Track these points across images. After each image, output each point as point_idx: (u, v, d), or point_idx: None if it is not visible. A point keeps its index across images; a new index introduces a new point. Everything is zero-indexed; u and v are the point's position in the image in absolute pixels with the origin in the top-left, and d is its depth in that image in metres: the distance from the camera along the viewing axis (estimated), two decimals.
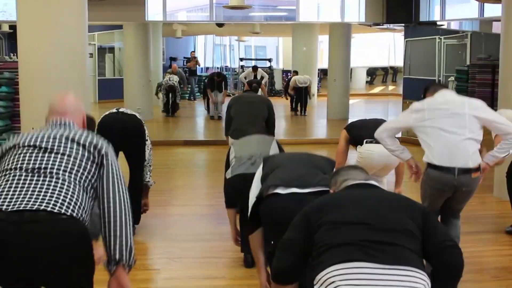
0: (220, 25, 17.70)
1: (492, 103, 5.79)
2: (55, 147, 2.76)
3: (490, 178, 7.03)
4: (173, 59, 24.90)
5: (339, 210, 2.45)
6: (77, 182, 2.70)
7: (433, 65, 17.97)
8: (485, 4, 10.01)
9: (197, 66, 22.36)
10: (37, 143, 2.76)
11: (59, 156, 2.73)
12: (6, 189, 2.61)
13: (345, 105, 15.46)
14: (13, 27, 9.91)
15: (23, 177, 2.64)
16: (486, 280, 4.74)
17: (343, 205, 2.49)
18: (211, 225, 6.17)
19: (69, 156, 2.74)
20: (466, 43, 16.27)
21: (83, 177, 2.73)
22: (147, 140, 5.76)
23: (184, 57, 25.15)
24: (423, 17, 12.98)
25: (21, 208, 2.52)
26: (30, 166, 2.68)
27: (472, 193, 4.43)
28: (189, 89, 21.78)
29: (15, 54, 7.03)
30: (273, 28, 21.57)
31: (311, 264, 2.41)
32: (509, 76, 7.19)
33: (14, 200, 2.55)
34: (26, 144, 2.77)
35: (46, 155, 2.73)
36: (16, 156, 2.74)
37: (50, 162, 2.70)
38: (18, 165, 2.69)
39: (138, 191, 5.80)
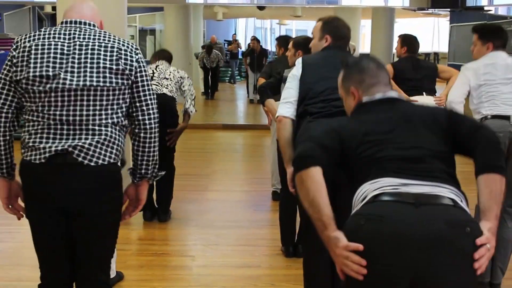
0: (261, 8, 17.60)
1: None
2: (88, 81, 2.59)
3: None
4: None
5: (370, 143, 2.33)
6: (114, 124, 2.65)
7: None
8: None
9: (239, 49, 22.27)
10: (61, 72, 2.58)
11: (93, 97, 2.60)
12: (44, 136, 2.59)
13: None
14: (56, 8, 9.92)
15: (59, 128, 2.58)
16: None
17: (377, 136, 2.35)
18: (248, 212, 6.10)
19: (102, 91, 2.61)
20: None
21: (119, 114, 2.66)
22: (185, 82, 5.73)
23: (225, 40, 25.09)
24: (469, 2, 12.65)
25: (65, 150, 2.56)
26: (64, 116, 2.59)
27: None
28: (230, 71, 21.72)
29: None
30: (315, 11, 21.29)
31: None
32: None
33: (54, 145, 2.57)
34: (50, 73, 2.57)
35: (78, 99, 2.58)
36: (42, 96, 2.58)
37: (84, 111, 2.59)
38: (51, 114, 2.58)
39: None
